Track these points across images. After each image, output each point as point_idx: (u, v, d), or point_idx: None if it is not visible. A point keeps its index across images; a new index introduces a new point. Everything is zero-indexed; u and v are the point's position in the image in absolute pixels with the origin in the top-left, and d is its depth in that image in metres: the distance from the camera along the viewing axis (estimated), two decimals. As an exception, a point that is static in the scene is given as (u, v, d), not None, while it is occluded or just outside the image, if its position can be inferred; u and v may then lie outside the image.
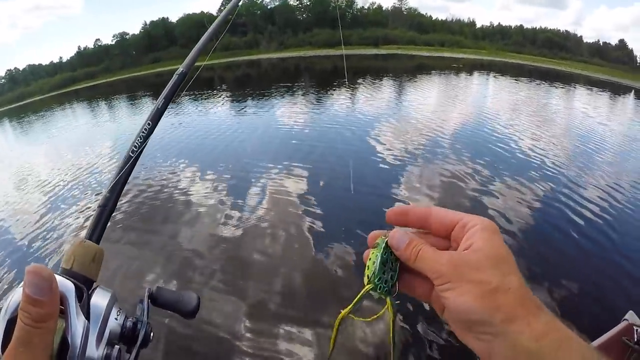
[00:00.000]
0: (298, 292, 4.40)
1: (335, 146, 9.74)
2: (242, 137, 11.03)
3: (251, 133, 11.52)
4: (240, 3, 1.44)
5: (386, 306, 0.51)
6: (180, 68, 1.05)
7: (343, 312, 0.51)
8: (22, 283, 0.42)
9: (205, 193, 7.11)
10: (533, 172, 8.11)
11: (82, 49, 60.69)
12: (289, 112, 14.48)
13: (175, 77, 1.02)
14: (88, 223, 0.85)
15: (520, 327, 0.39)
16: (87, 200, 7.42)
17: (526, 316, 0.40)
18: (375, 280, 0.49)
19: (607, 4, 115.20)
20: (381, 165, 8.28)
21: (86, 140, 13.61)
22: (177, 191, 7.28)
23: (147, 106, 19.36)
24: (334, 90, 20.81)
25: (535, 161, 8.89)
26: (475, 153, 9.10)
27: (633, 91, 33.12)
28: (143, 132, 0.89)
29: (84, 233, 0.76)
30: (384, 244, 0.50)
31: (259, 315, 4.03)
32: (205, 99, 19.81)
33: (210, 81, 28.59)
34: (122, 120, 18.23)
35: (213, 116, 14.83)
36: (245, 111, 15.69)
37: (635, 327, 2.71)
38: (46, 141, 16.02)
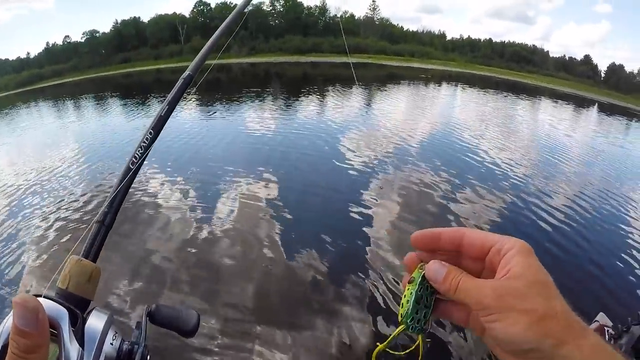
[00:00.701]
0: (271, 296, 4.35)
1: (306, 152, 9.61)
2: (212, 143, 10.69)
3: (222, 139, 11.22)
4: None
5: (417, 342, 0.52)
6: (187, 71, 0.99)
7: (379, 346, 0.51)
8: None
9: (174, 200, 6.82)
10: (502, 182, 8.16)
11: (50, 46, 58.72)
12: (260, 119, 14.25)
13: (180, 81, 0.97)
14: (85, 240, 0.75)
15: (570, 350, 0.40)
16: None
17: (575, 339, 0.40)
18: (408, 321, 0.49)
19: (575, 20, 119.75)
20: (351, 172, 8.20)
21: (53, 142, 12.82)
22: (146, 197, 6.89)
23: (115, 107, 18.67)
24: (304, 97, 20.74)
25: (502, 170, 8.93)
26: (444, 161, 9.11)
27: (597, 104, 34.18)
28: (144, 142, 0.84)
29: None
30: (420, 278, 0.49)
31: (231, 320, 3.93)
32: (179, 103, 19.16)
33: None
34: (90, 123, 17.31)
35: (183, 121, 14.41)
36: (216, 116, 15.39)
37: (606, 328, 2.91)
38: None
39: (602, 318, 3.10)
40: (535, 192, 7.71)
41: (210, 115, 15.79)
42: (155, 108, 17.26)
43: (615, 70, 62.84)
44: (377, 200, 6.82)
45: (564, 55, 69.74)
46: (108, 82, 38.28)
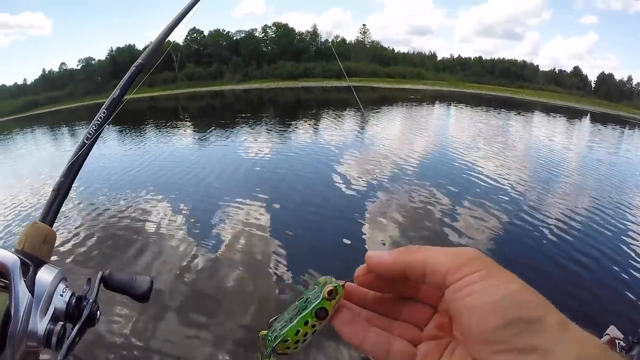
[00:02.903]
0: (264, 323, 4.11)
1: (303, 175, 9.58)
2: (208, 167, 10.60)
3: (216, 163, 11.19)
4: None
5: None
6: (139, 60, 1.05)
7: None
8: None
9: (170, 223, 6.73)
10: (502, 197, 8.11)
11: (47, 72, 58.85)
12: (254, 144, 14.21)
13: (133, 68, 1.03)
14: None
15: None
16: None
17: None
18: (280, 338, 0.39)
19: (562, 34, 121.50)
20: (348, 193, 8.14)
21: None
22: (141, 221, 6.83)
23: (110, 135, 18.74)
24: (299, 121, 20.77)
25: (502, 186, 8.87)
26: (440, 181, 9.04)
27: (589, 114, 34.41)
28: (98, 121, 0.91)
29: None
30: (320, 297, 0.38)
31: (224, 346, 3.80)
32: (171, 127, 19.52)
33: (175, 111, 28.00)
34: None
35: (179, 145, 14.47)
36: (210, 142, 15.30)
37: (617, 341, 2.84)
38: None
39: (612, 331, 3.02)
40: (539, 204, 7.69)
41: (204, 140, 15.75)
42: (151, 136, 17.38)
43: (605, 79, 63.65)
44: (374, 221, 6.74)
45: (554, 69, 70.69)
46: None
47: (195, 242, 5.97)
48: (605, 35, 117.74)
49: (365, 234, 6.28)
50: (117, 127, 18.26)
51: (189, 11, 1.30)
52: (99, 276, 0.70)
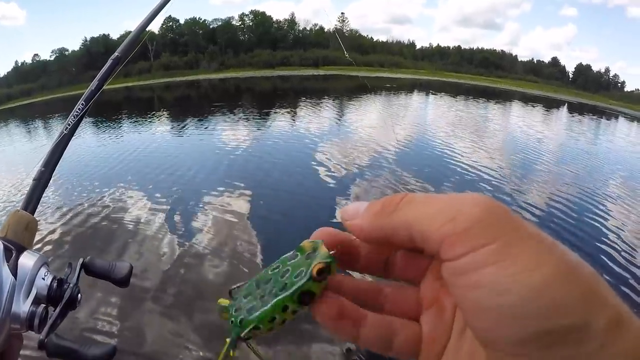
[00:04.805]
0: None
1: (282, 164, 9.33)
2: (185, 157, 10.30)
3: (195, 155, 10.79)
4: None
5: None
6: (116, 53, 1.05)
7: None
8: None
9: (147, 212, 6.53)
10: (482, 183, 8.03)
11: (19, 64, 57.14)
12: (233, 134, 13.70)
13: (110, 61, 1.03)
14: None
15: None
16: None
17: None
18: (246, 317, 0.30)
19: (542, 24, 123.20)
20: (328, 181, 7.92)
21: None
22: (119, 211, 6.61)
23: (86, 127, 18.00)
24: (278, 110, 20.23)
25: (482, 173, 8.71)
26: (419, 167, 8.93)
27: (566, 104, 34.74)
28: (77, 112, 0.93)
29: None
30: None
31: (208, 338, 3.62)
32: (147, 118, 18.94)
33: (150, 101, 27.46)
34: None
35: (156, 136, 14.03)
36: (187, 132, 14.92)
37: None
38: None
39: None
40: (522, 193, 7.63)
41: (181, 130, 15.36)
42: (127, 127, 16.97)
43: (583, 70, 64.75)
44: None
45: (532, 59, 71.81)
46: (78, 101, 37.08)
47: (172, 230, 5.80)
48: (584, 28, 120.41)
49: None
50: (93, 118, 17.64)
51: (167, 2, 1.23)
52: (80, 261, 0.71)
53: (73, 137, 0.92)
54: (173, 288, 4.40)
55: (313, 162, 9.19)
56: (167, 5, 1.24)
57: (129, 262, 0.74)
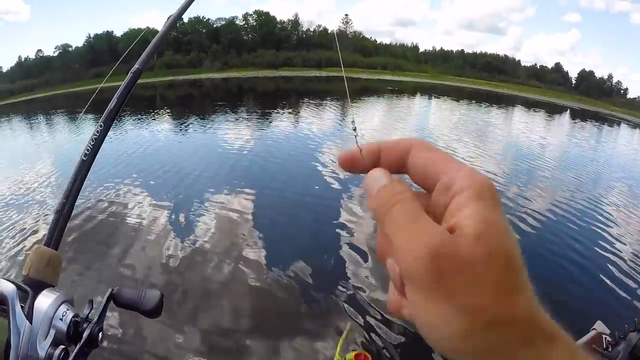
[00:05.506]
0: (253, 314, 4.01)
1: (286, 165, 9.33)
2: (188, 158, 10.18)
3: (198, 155, 10.73)
4: None
5: None
6: (136, 65, 1.02)
7: None
8: None
9: (151, 213, 6.45)
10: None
11: (22, 60, 56.43)
12: (236, 134, 13.73)
13: (130, 75, 0.99)
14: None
15: None
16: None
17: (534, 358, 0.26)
18: None
19: (545, 30, 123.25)
20: (331, 184, 7.88)
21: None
22: (120, 214, 6.49)
23: (88, 127, 17.89)
24: (280, 110, 20.32)
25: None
26: None
27: (569, 110, 34.69)
28: (95, 135, 0.87)
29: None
30: None
31: (214, 341, 3.63)
32: (151, 117, 18.77)
33: (153, 100, 27.46)
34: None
35: (159, 135, 13.93)
36: (191, 132, 14.90)
37: (603, 336, 2.92)
38: None
39: (599, 326, 3.08)
40: (524, 198, 7.59)
41: (183, 129, 15.38)
42: (129, 126, 16.54)
43: (585, 76, 64.66)
44: (358, 214, 6.45)
45: (535, 64, 71.69)
46: (80, 98, 37.03)
47: (177, 234, 5.72)
48: (587, 33, 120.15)
49: (348, 222, 6.02)
50: (94, 115, 17.54)
51: (186, 10, 1.20)
52: (107, 293, 0.69)
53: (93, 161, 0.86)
54: (178, 290, 4.35)
55: (316, 163, 9.18)
56: (186, 10, 1.21)
57: (159, 291, 0.72)
